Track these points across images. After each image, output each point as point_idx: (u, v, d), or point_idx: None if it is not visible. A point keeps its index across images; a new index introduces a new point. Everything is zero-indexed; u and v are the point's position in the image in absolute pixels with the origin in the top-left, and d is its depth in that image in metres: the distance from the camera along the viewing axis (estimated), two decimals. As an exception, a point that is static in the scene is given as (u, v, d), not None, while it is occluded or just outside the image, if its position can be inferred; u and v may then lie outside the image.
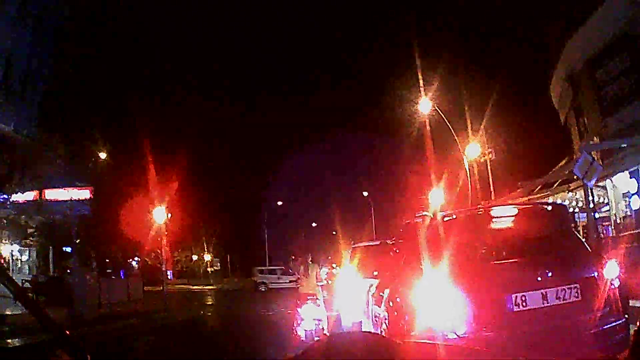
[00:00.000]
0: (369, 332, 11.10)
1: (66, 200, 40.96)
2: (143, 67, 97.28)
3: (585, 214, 25.54)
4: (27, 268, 48.15)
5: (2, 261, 44.60)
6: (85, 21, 45.83)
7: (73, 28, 45.08)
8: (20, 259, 48.43)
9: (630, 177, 26.13)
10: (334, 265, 51.35)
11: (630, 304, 10.05)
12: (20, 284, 22.41)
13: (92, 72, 47.32)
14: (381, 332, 11.25)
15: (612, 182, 27.80)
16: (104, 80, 50.69)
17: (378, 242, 21.34)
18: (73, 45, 44.88)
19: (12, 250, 46.41)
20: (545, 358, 7.90)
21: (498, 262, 8.96)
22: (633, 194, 26.21)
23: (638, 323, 2.28)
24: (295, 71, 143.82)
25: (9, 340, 20.39)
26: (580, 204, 29.21)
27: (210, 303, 45.57)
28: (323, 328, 17.43)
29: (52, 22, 42.97)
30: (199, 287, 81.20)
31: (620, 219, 28.26)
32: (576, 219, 29.40)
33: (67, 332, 2.50)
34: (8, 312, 28.66)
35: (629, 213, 27.50)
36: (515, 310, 8.24)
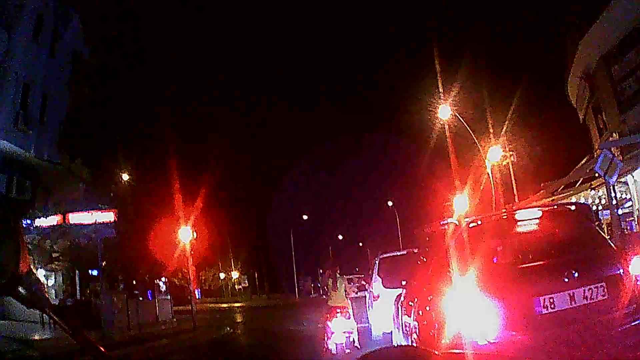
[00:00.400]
0: (406, 345, 11.16)
1: (90, 224, 41.03)
2: (164, 87, 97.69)
3: (608, 211, 25.48)
4: (54, 292, 48.28)
5: (45, 290, 44.56)
6: (103, 44, 46.14)
7: (91, 52, 45.45)
8: (47, 284, 48.52)
9: (652, 172, 26.02)
10: (361, 277, 51.31)
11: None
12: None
13: (112, 94, 47.60)
14: (412, 341, 11.30)
15: (633, 177, 27.65)
16: (124, 101, 50.90)
17: (405, 252, 21.45)
18: (92, 69, 45.24)
19: (37, 275, 46.46)
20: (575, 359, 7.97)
21: (524, 265, 9.01)
22: (654, 188, 26.13)
23: None
24: (318, 83, 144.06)
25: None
26: (603, 202, 29.13)
27: (239, 321, 45.59)
28: (354, 340, 17.50)
29: (70, 46, 43.34)
30: (227, 305, 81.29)
31: (644, 214, 28.14)
32: (600, 217, 29.32)
33: (108, 354, 2.59)
34: (36, 337, 28.80)
35: (652, 207, 27.39)
36: (544, 312, 8.29)
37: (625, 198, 29.33)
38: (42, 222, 39.89)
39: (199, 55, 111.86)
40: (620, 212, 25.66)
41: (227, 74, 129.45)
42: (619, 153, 26.88)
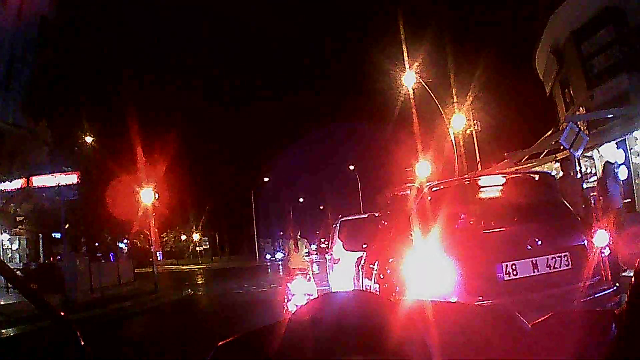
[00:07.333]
0: (363, 290, 11.10)
1: (54, 186, 40.69)
2: (128, 48, 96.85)
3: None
4: (18, 257, 48.05)
5: None
6: (70, 6, 45.53)
7: (56, 13, 44.86)
8: (11, 248, 48.27)
9: (618, 148, 26.07)
10: (322, 240, 51.41)
11: (621, 274, 10.04)
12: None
13: (77, 56, 47.04)
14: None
15: (599, 152, 27.79)
16: (88, 63, 50.32)
17: (366, 215, 21.37)
18: (57, 30, 44.66)
19: (2, 240, 46.24)
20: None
21: (487, 231, 8.96)
22: (620, 165, 26.16)
23: (633, 280, 2.24)
24: (281, 46, 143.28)
25: (4, 330, 20.30)
26: (568, 174, 29.28)
27: (200, 282, 45.51)
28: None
29: (37, 8, 42.75)
30: (188, 267, 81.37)
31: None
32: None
33: (65, 317, 2.48)
34: (1, 302, 28.58)
35: (616, 183, 27.49)
36: (505, 279, 8.24)
37: (590, 173, 29.48)
38: (6, 185, 39.62)
39: (165, 18, 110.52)
40: (585, 186, 25.81)
41: (192, 38, 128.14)
42: (585, 127, 26.96)
